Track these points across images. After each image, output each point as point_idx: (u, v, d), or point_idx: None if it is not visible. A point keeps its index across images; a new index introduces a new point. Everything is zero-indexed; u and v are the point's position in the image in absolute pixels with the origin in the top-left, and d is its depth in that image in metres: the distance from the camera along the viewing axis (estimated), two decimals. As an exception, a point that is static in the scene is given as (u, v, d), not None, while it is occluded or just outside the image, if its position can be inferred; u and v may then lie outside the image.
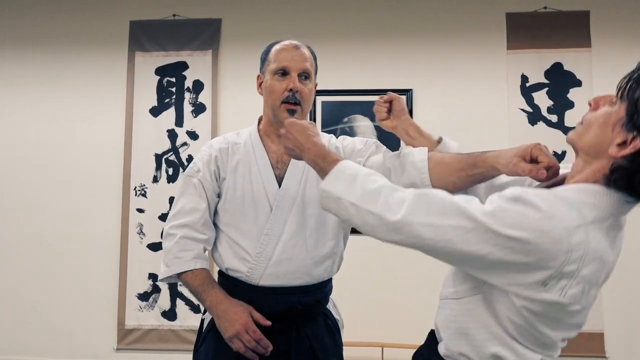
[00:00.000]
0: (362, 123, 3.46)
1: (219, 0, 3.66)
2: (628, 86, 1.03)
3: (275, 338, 1.61)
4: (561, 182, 1.17)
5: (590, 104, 1.11)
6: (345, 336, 1.84)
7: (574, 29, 3.41)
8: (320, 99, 3.46)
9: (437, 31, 3.53)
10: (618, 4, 3.44)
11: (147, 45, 3.64)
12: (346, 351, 1.81)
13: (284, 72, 1.66)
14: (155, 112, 3.60)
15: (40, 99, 3.69)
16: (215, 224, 1.75)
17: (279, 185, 1.68)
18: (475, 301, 1.11)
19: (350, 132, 3.44)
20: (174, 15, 3.64)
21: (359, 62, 3.54)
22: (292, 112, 1.65)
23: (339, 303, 1.85)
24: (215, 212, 1.74)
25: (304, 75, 1.67)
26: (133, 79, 3.62)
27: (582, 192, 1.05)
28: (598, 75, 3.36)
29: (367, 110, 3.46)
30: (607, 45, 3.40)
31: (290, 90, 1.64)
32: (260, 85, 1.75)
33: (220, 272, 1.76)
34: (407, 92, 3.45)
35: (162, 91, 3.61)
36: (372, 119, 3.48)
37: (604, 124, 1.05)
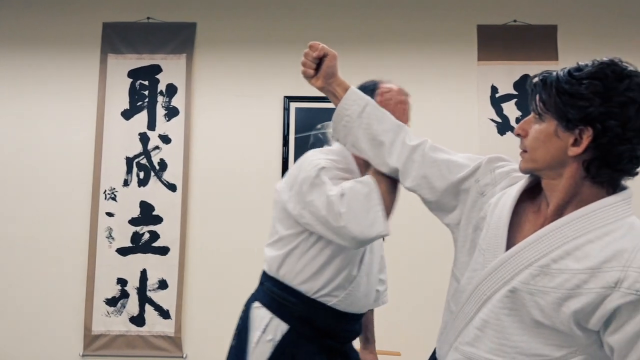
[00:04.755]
0: (335, 130, 3.48)
1: (194, 5, 3.65)
2: (544, 99, 1.15)
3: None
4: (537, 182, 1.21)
5: (519, 134, 1.20)
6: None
7: (542, 42, 3.50)
8: (293, 105, 3.46)
9: (409, 41, 3.58)
10: (585, 18, 3.54)
11: (120, 48, 3.60)
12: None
13: None
14: (127, 115, 3.56)
15: (9, 100, 3.62)
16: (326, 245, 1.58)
17: None
18: None
19: (324, 139, 3.46)
20: (148, 18, 3.61)
21: (333, 70, 3.55)
22: None
23: None
24: None
25: None
26: (105, 81, 3.58)
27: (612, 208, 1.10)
28: (565, 88, 3.44)
29: (340, 117, 3.48)
30: (574, 58, 3.35)
31: None
32: None
33: (293, 293, 1.58)
34: (380, 100, 3.49)
35: (134, 94, 3.58)
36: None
37: (546, 137, 1.14)
